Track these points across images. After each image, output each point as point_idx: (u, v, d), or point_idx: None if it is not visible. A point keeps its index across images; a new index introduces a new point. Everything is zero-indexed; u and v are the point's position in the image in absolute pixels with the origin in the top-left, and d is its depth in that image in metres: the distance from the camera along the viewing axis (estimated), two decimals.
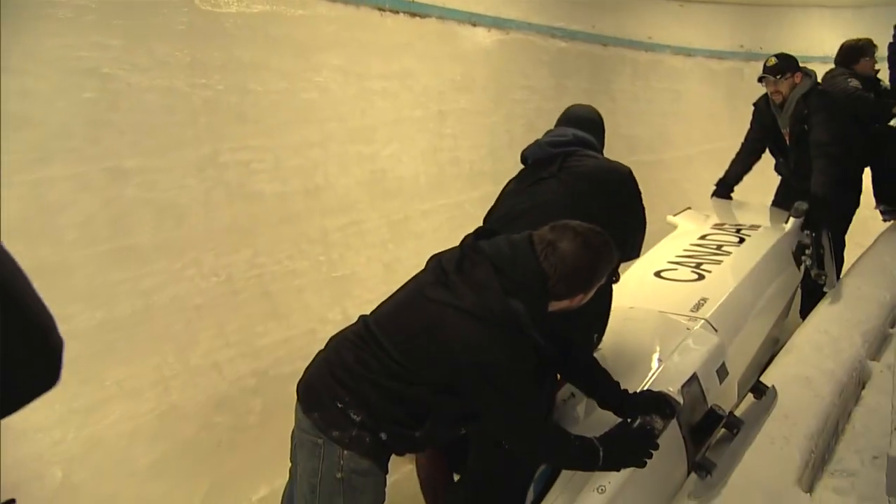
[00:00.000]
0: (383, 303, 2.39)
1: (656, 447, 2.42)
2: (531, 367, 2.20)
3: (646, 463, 2.37)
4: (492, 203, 3.08)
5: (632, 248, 2.94)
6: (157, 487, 3.01)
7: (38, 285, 2.75)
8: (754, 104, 5.20)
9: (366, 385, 2.18)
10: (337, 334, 2.40)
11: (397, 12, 4.62)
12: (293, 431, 2.36)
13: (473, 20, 5.12)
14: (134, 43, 3.21)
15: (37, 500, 2.65)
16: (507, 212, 2.88)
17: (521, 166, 3.14)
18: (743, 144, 5.17)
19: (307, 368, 2.38)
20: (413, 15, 4.70)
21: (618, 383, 2.65)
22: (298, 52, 4.01)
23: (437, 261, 2.32)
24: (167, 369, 3.18)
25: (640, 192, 2.94)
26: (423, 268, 2.40)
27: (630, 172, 2.94)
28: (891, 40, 5.76)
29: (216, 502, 3.17)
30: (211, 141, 3.52)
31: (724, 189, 5.11)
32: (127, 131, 3.16)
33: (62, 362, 1.42)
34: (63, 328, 2.82)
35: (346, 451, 2.18)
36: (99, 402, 2.92)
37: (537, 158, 2.99)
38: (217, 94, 3.57)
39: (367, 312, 2.38)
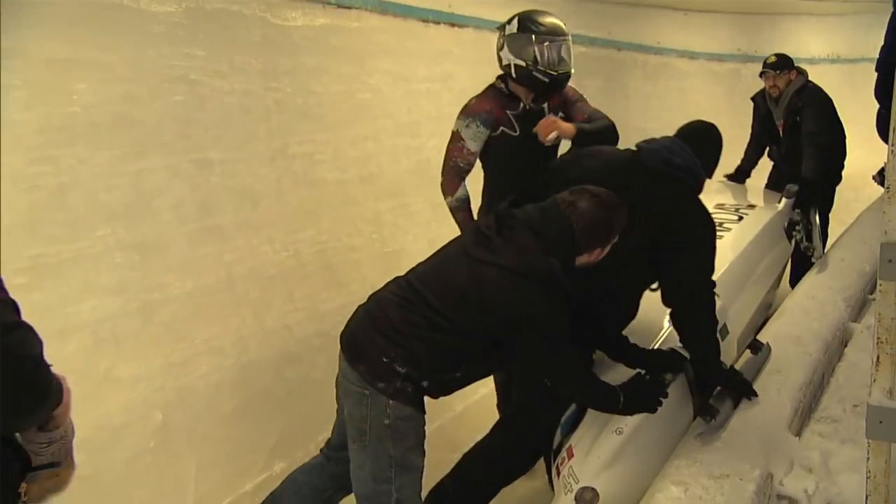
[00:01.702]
0: (422, 264, 2.37)
1: (666, 395, 2.44)
2: (566, 316, 2.22)
3: (657, 409, 2.39)
4: None
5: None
6: (239, 429, 3.05)
7: (139, 259, 2.86)
8: (752, 98, 5.18)
9: (413, 341, 2.18)
10: (377, 292, 2.38)
11: (439, 23, 4.63)
12: (338, 378, 2.36)
13: None
14: (216, 53, 3.23)
15: (143, 437, 2.71)
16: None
17: None
18: (752, 137, 5.16)
19: (349, 322, 2.37)
20: (453, 25, 4.70)
21: (634, 344, 2.67)
22: (354, 58, 4.02)
23: (476, 227, 2.33)
24: (246, 330, 3.20)
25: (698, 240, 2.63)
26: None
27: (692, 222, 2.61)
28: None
29: (289, 442, 3.20)
30: (281, 136, 3.54)
31: (741, 175, 5.09)
32: (211, 128, 3.19)
33: (49, 399, 1.32)
34: (160, 295, 2.94)
35: (391, 401, 2.18)
36: (190, 357, 2.95)
37: (643, 164, 2.69)
38: (286, 96, 3.59)
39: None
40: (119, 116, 2.82)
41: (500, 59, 3.15)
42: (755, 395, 2.78)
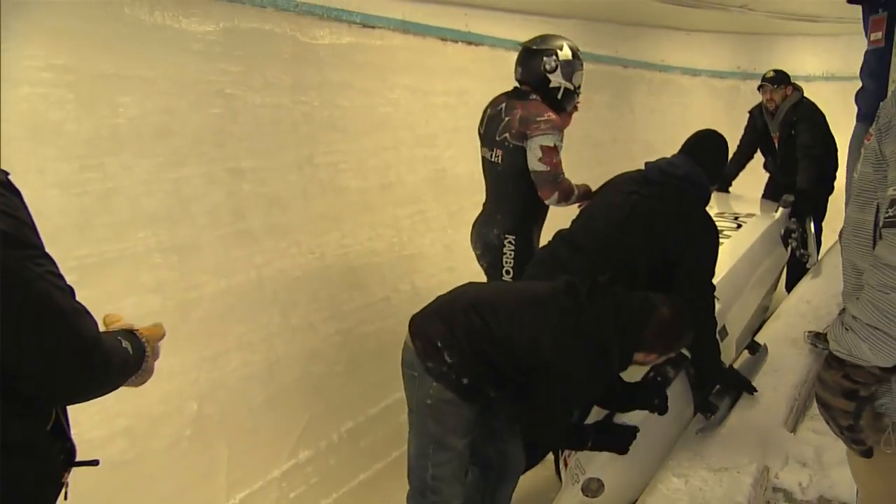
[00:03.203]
0: (507, 282, 2.43)
1: (634, 436, 2.42)
2: (593, 388, 2.27)
3: (628, 451, 2.39)
4: None
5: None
6: (268, 420, 3.08)
7: (176, 260, 2.89)
8: (749, 111, 5.18)
9: (464, 338, 2.19)
10: (458, 287, 2.40)
11: (456, 41, 4.64)
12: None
13: (518, 47, 5.10)
14: (250, 69, 3.27)
15: (179, 426, 2.75)
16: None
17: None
18: (738, 148, 5.13)
19: (426, 306, 2.37)
20: (469, 43, 4.71)
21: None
22: (377, 74, 4.05)
23: (570, 280, 2.30)
24: (274, 327, 3.23)
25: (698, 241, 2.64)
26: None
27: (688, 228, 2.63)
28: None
29: (314, 432, 3.23)
30: (308, 146, 3.57)
31: (723, 185, 5.07)
32: (244, 139, 3.23)
33: (110, 374, 1.32)
34: (195, 294, 2.97)
35: (435, 383, 2.20)
36: (222, 352, 2.98)
37: (648, 176, 2.77)
38: (313, 109, 3.62)
39: (433, 285, 2.36)
40: (160, 127, 2.87)
41: (546, 79, 3.17)
42: (755, 390, 2.79)
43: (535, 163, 3.07)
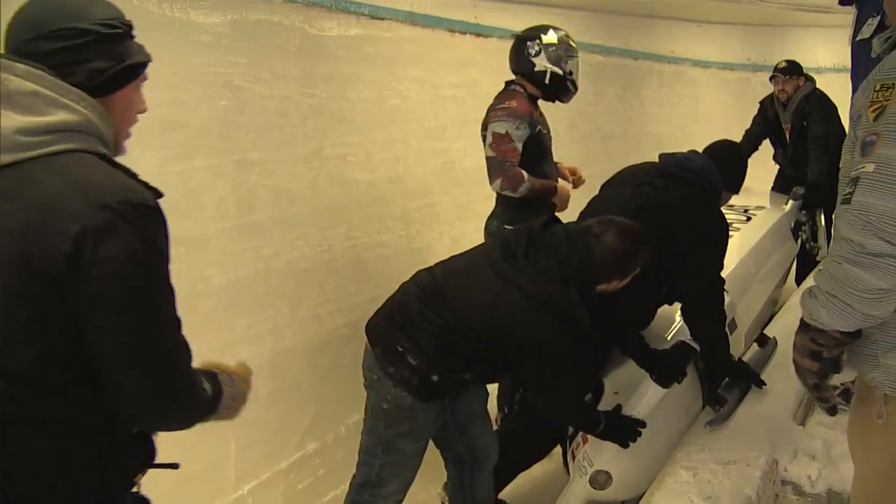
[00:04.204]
0: (450, 260, 2.36)
1: (639, 434, 2.40)
2: (574, 346, 2.19)
3: (629, 445, 2.38)
4: None
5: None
6: (275, 412, 3.08)
7: (184, 252, 2.88)
8: (761, 102, 5.13)
9: (425, 336, 2.17)
10: (404, 283, 2.38)
11: (465, 33, 4.63)
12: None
13: None
14: (258, 60, 3.25)
15: None
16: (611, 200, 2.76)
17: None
18: (745, 137, 5.08)
19: (377, 311, 2.37)
20: (478, 35, 4.70)
21: (647, 345, 2.64)
22: (386, 66, 4.03)
23: (504, 240, 2.29)
24: (281, 319, 3.22)
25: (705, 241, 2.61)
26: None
27: (700, 225, 2.61)
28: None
29: (321, 424, 3.24)
30: (316, 138, 3.55)
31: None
32: (252, 131, 3.21)
33: (187, 413, 1.30)
34: (203, 286, 2.96)
35: (393, 388, 2.19)
36: (230, 344, 2.97)
37: (665, 169, 2.74)
38: (321, 101, 3.60)
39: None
40: (167, 120, 2.85)
41: (530, 64, 3.21)
42: (763, 384, 2.77)
43: (486, 148, 3.18)
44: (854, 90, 3.54)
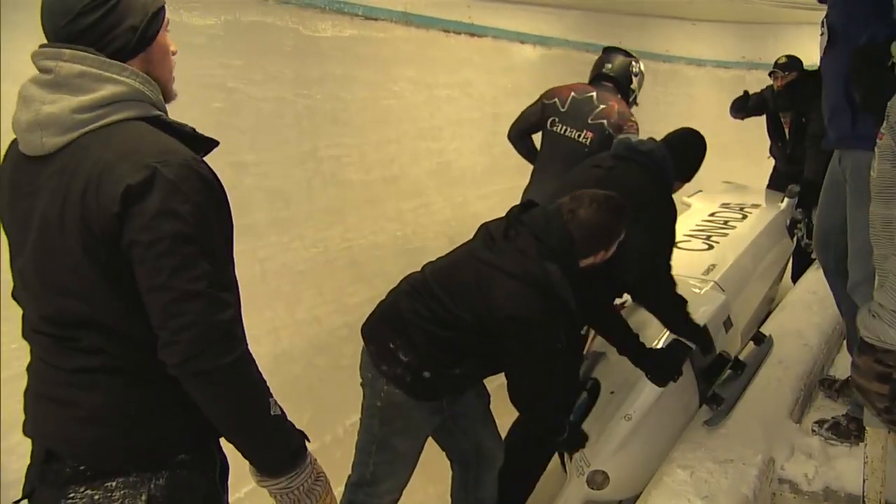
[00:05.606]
0: (441, 259, 2.35)
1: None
2: (559, 325, 2.15)
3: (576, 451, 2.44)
4: None
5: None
6: None
7: None
8: (761, 91, 5.07)
9: (415, 331, 2.16)
10: (398, 284, 2.35)
11: (459, 33, 4.63)
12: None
13: (521, 38, 5.10)
14: (251, 62, 3.25)
15: None
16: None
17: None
18: (745, 102, 5.11)
19: (372, 312, 2.34)
20: (472, 35, 4.70)
21: (642, 343, 2.62)
22: (380, 67, 4.03)
23: (486, 229, 2.29)
24: (278, 321, 3.22)
25: (656, 217, 2.60)
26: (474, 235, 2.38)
27: (652, 203, 2.59)
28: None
29: (319, 425, 3.20)
30: (311, 139, 3.55)
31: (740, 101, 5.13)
32: (246, 132, 3.21)
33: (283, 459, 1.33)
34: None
35: (386, 386, 2.18)
36: None
37: (616, 153, 2.74)
38: (315, 102, 3.60)
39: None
40: None
41: (629, 81, 3.57)
42: (712, 350, 2.74)
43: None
44: None
